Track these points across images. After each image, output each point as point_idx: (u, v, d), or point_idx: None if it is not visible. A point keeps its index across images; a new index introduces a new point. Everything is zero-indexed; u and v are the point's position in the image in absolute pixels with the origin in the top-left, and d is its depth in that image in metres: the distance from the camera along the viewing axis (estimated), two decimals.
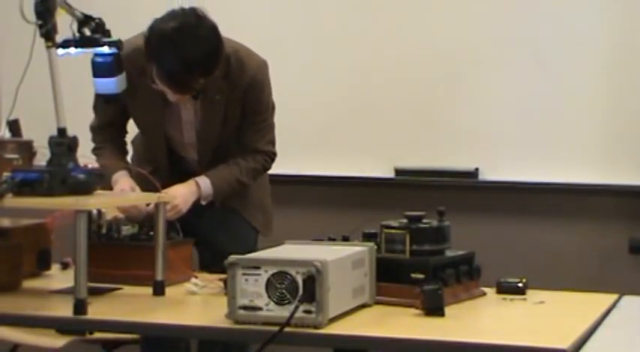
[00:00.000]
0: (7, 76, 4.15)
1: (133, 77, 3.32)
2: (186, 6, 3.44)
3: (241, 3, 4.81)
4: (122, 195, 3.39)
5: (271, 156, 3.66)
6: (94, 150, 3.63)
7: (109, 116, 3.63)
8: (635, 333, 2.73)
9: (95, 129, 3.66)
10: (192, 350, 3.78)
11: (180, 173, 3.58)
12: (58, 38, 3.01)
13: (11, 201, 2.88)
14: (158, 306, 3.02)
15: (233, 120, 3.56)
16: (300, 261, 2.64)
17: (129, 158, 3.74)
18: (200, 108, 3.53)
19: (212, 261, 3.47)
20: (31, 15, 2.96)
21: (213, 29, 3.36)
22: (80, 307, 2.80)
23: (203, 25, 3.34)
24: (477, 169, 4.56)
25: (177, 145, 3.63)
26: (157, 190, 3.19)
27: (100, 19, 3.13)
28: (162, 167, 3.61)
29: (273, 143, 3.66)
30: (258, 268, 2.66)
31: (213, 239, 3.64)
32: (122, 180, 3.47)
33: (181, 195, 3.44)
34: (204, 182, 3.52)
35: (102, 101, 3.49)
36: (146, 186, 3.38)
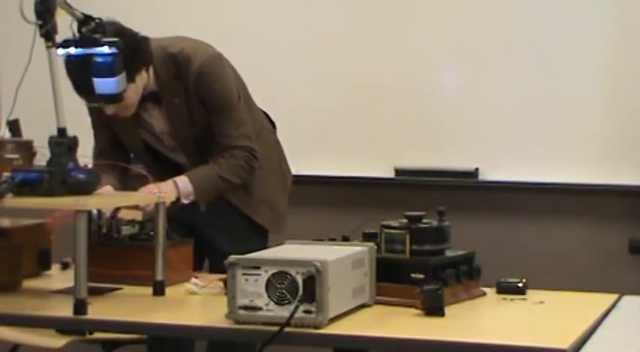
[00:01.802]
0: (7, 76, 4.15)
1: None
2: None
3: (242, 3, 4.80)
4: (122, 195, 3.39)
5: (251, 152, 3.55)
6: None
7: (103, 144, 3.65)
8: (635, 333, 2.73)
9: (95, 157, 3.65)
10: (197, 350, 3.78)
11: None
12: (58, 38, 3.01)
13: (11, 201, 2.88)
14: (158, 306, 3.02)
15: (201, 120, 3.53)
16: (300, 261, 2.64)
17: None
18: (166, 114, 3.53)
19: (216, 264, 3.47)
20: (31, 15, 2.95)
21: (125, 36, 3.30)
22: (80, 307, 2.79)
23: (112, 35, 3.25)
24: (477, 169, 4.56)
25: (166, 152, 3.63)
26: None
27: (100, 19, 3.13)
28: (153, 173, 3.59)
29: (248, 137, 3.56)
30: (258, 268, 2.65)
31: (214, 240, 3.63)
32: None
33: (160, 190, 3.35)
34: (182, 180, 3.47)
35: (95, 128, 3.63)
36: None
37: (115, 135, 3.64)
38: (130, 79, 3.35)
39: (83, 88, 3.22)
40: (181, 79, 3.48)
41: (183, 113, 3.51)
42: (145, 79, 3.43)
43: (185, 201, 3.47)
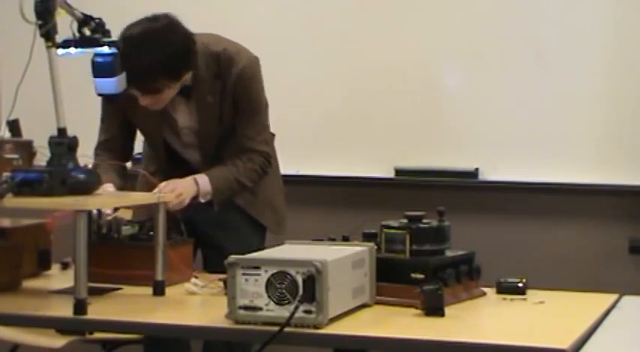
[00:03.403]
0: (7, 76, 4.15)
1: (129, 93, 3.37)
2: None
3: (242, 2, 4.81)
4: (122, 195, 3.39)
5: (267, 158, 3.62)
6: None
7: (112, 131, 3.64)
8: (635, 333, 2.73)
9: (97, 148, 3.65)
10: (195, 350, 3.78)
11: (181, 175, 3.56)
12: (58, 38, 3.01)
13: (11, 201, 2.88)
14: (158, 306, 3.02)
15: (229, 120, 3.56)
16: (300, 261, 2.64)
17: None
18: (195, 110, 3.54)
19: (215, 261, 3.47)
20: (31, 15, 2.96)
21: (180, 34, 3.38)
22: (80, 307, 2.80)
23: (169, 30, 3.35)
24: (477, 169, 4.55)
25: (178, 148, 3.64)
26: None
27: (100, 19, 3.13)
28: (163, 169, 3.61)
29: (267, 144, 3.64)
30: (258, 268, 2.66)
31: (214, 238, 3.63)
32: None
33: (182, 186, 3.44)
34: (202, 179, 3.50)
35: (106, 114, 3.63)
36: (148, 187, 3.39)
37: (125, 125, 3.62)
38: (177, 77, 3.39)
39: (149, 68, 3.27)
40: (220, 78, 3.51)
41: (215, 111, 3.53)
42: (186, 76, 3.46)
43: (202, 200, 3.50)
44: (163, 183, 3.39)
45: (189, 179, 3.48)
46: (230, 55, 3.52)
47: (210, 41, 3.54)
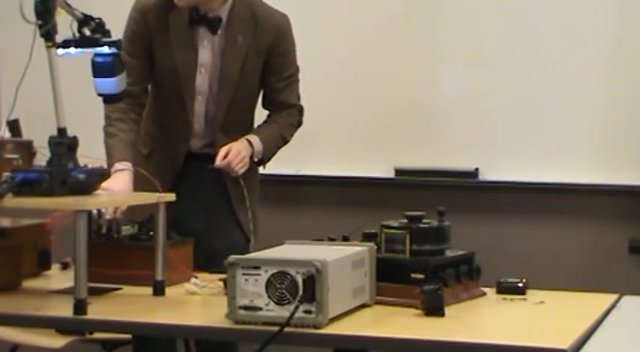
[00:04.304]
0: (7, 76, 4.15)
1: (157, 25, 3.52)
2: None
3: None
4: (122, 195, 3.39)
5: (301, 111, 3.75)
6: (105, 127, 3.59)
7: (132, 76, 3.53)
8: (635, 333, 2.73)
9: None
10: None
11: (177, 157, 3.60)
12: (58, 38, 3.01)
13: (11, 201, 2.88)
14: (158, 306, 3.02)
15: (251, 69, 3.59)
16: (300, 260, 2.64)
17: None
18: (221, 47, 3.57)
19: (202, 260, 3.47)
20: (31, 15, 2.96)
21: None
22: (80, 307, 2.80)
23: None
24: (477, 169, 4.56)
25: (188, 95, 3.60)
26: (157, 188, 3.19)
27: (100, 19, 3.13)
28: (158, 149, 3.63)
29: (300, 97, 3.76)
30: (258, 268, 2.66)
31: (203, 237, 3.60)
32: (114, 180, 3.43)
33: (244, 148, 3.54)
34: (254, 139, 3.59)
35: (135, 57, 3.60)
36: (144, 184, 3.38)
37: (139, 75, 3.58)
38: None
39: None
40: (254, 24, 3.58)
41: (241, 53, 3.58)
42: None
43: (255, 159, 3.60)
44: (225, 148, 3.49)
45: (243, 141, 3.57)
46: (265, 7, 3.64)
47: None
